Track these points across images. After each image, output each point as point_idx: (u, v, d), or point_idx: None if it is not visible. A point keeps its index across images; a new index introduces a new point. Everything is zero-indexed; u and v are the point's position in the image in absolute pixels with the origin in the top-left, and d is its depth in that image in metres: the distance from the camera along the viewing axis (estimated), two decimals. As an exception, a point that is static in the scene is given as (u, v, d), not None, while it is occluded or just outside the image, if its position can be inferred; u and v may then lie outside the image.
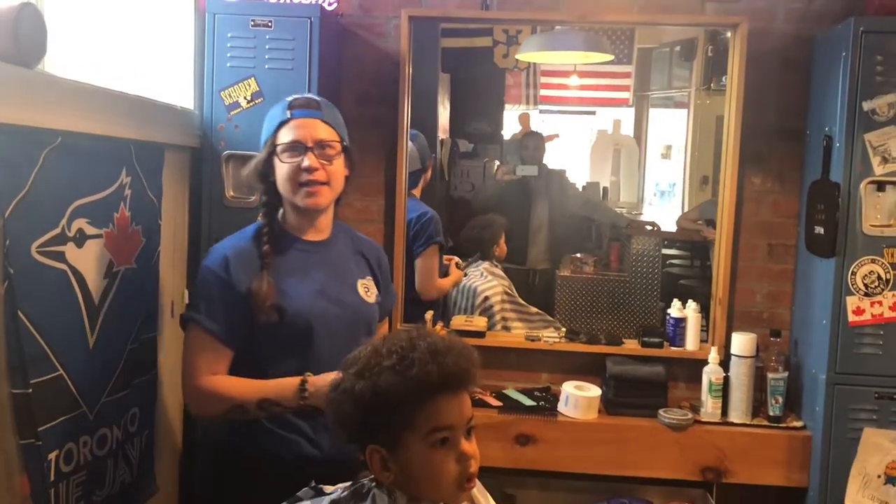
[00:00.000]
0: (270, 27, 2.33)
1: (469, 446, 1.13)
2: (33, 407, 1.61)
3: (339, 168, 1.77)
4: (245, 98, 2.35)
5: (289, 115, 1.74)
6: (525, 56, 3.84)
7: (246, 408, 1.67)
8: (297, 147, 1.72)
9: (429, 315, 2.68)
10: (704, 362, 2.48)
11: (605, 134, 5.24)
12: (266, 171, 1.77)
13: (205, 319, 1.71)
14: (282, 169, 1.73)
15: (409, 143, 2.73)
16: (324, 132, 1.75)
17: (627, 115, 5.07)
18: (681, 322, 2.58)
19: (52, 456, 1.69)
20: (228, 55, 2.35)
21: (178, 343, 2.33)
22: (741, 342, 2.43)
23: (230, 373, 1.74)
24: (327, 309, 1.75)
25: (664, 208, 5.49)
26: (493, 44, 3.95)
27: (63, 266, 1.75)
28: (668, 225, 4.30)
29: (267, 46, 2.34)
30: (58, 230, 1.73)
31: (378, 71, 2.66)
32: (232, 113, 2.36)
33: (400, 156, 2.65)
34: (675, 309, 2.62)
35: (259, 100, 2.35)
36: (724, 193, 2.57)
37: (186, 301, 2.38)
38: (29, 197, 1.62)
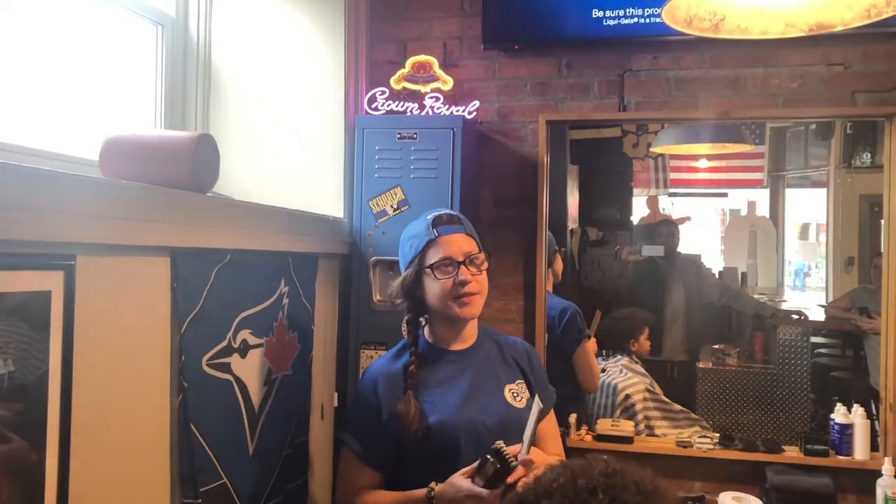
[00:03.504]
0: (415, 139, 2.43)
1: None
2: (202, 517, 1.67)
3: (485, 276, 1.82)
4: (392, 206, 2.45)
5: (435, 234, 1.80)
6: (660, 149, 3.80)
7: None
8: (449, 263, 1.77)
9: (572, 418, 2.62)
10: (877, 473, 2.29)
11: (738, 216, 5.07)
12: (412, 288, 1.83)
13: (353, 442, 1.80)
14: (435, 285, 1.78)
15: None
16: (469, 245, 1.81)
17: (761, 196, 4.90)
18: (847, 429, 2.40)
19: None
20: (376, 166, 2.47)
21: (327, 447, 2.39)
22: (920, 453, 2.24)
23: (388, 485, 1.79)
24: (473, 418, 1.75)
25: (806, 292, 5.20)
26: (623, 133, 3.94)
27: (228, 377, 1.84)
28: (812, 310, 4.07)
29: (412, 157, 2.44)
30: (225, 342, 1.83)
31: (515, 173, 2.71)
32: (379, 220, 2.45)
33: (538, 255, 2.66)
34: (839, 414, 2.44)
35: (405, 207, 2.44)
36: (888, 290, 2.41)
37: (335, 404, 2.44)
38: (201, 313, 1.72)
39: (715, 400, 3.33)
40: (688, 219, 4.45)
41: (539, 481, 1.12)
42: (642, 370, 3.13)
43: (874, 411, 2.50)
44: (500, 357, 1.89)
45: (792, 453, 2.47)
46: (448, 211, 1.89)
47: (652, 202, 4.70)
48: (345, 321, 2.51)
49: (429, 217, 1.84)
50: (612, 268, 4.09)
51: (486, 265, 1.82)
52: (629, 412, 2.90)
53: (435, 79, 2.60)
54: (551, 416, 1.96)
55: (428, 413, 1.74)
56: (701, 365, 3.47)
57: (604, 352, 3.23)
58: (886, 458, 2.30)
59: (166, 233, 1.60)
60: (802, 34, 1.73)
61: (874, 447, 2.43)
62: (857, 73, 2.45)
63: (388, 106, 2.57)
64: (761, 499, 2.35)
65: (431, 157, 2.42)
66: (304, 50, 2.58)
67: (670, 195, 5.02)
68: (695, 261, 4.01)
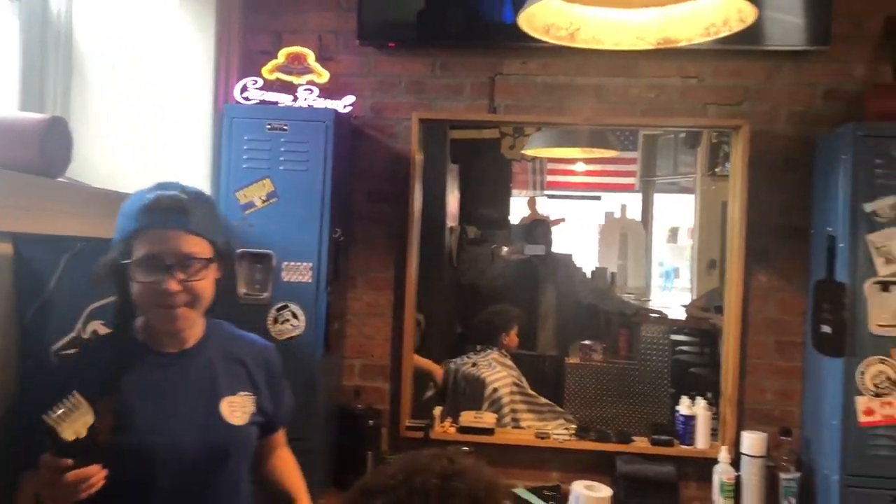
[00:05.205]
0: (286, 130, 2.41)
1: None
2: None
3: (206, 283, 1.46)
4: (260, 198, 2.41)
5: (147, 224, 1.41)
6: (532, 151, 3.92)
7: None
8: (154, 264, 1.40)
9: (437, 411, 2.68)
10: (715, 461, 2.45)
11: (612, 218, 5.30)
12: (117, 275, 1.45)
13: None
14: (135, 286, 1.42)
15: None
16: (190, 244, 1.42)
17: (633, 200, 5.14)
18: (690, 419, 2.56)
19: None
20: (244, 157, 2.43)
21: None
22: (751, 441, 2.41)
23: None
24: (175, 436, 1.43)
25: (672, 292, 5.49)
26: (501, 135, 4.05)
27: (77, 368, 1.77)
28: (676, 309, 4.30)
29: (282, 149, 2.42)
30: (74, 333, 1.76)
31: (388, 169, 2.73)
32: (247, 212, 2.42)
33: (409, 250, 2.69)
34: (684, 406, 2.60)
35: (274, 199, 2.41)
36: (731, 290, 2.59)
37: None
38: (49, 303, 1.66)
39: (582, 394, 3.48)
40: (562, 220, 4.61)
41: (384, 471, 1.09)
42: (511, 364, 3.22)
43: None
44: (225, 363, 1.54)
45: (641, 444, 2.60)
46: (176, 193, 1.44)
47: (531, 202, 4.84)
48: (209, 314, 2.46)
49: (149, 195, 1.43)
50: (489, 265, 4.19)
51: (203, 274, 1.43)
52: (496, 405, 2.98)
53: (310, 71, 2.59)
54: (281, 438, 1.71)
55: (118, 429, 1.34)
56: (569, 360, 3.61)
57: (477, 346, 3.31)
58: (723, 447, 2.47)
59: (9, 217, 1.53)
60: (651, 47, 1.83)
61: (715, 437, 2.60)
62: (709, 87, 2.62)
63: (260, 96, 2.54)
64: (612, 487, 2.48)
65: (302, 150, 2.41)
66: (174, 34, 2.50)
67: (548, 197, 5.19)
68: (565, 260, 4.15)
